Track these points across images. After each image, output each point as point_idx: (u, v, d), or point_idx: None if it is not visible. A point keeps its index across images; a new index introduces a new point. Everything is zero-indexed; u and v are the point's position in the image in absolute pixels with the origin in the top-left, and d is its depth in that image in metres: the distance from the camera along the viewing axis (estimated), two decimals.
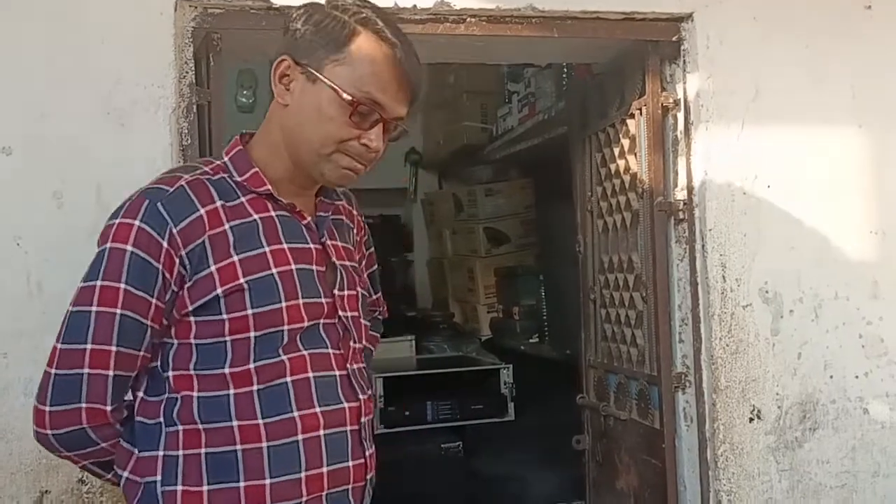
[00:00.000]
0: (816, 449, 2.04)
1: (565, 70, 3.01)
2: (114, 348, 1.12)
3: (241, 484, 1.14)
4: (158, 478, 1.16)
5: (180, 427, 1.16)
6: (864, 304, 2.08)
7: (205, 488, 1.15)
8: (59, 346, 1.14)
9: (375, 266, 1.49)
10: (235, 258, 1.16)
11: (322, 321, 1.22)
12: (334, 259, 1.27)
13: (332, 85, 1.18)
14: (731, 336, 2.00)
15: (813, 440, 2.04)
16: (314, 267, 1.23)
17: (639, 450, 2.22)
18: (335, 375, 1.22)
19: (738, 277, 2.02)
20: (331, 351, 1.23)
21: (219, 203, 1.19)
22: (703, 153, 2.04)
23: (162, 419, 1.17)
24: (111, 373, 1.13)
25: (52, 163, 1.70)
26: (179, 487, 1.15)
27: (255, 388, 1.16)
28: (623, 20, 2.01)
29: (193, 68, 1.79)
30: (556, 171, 2.96)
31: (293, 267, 1.20)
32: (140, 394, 1.20)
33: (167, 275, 1.14)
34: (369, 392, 1.29)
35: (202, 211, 1.16)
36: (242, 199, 1.21)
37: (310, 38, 1.20)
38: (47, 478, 1.65)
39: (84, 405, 1.13)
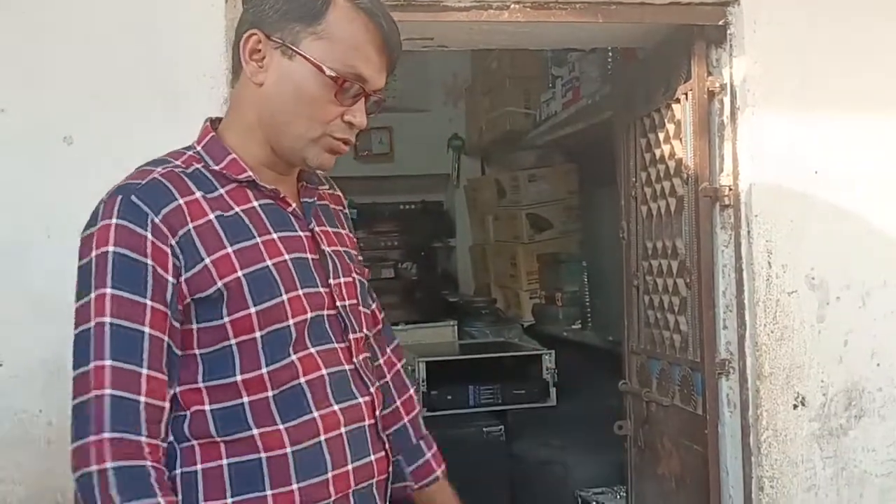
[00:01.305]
0: (862, 437, 2.02)
1: (610, 54, 3.00)
2: (116, 363, 1.01)
3: (269, 492, 1.07)
4: (178, 497, 1.06)
5: (195, 442, 1.07)
6: None
7: (229, 500, 1.06)
8: (73, 375, 1.03)
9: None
10: (230, 250, 1.07)
11: (325, 313, 1.14)
12: (324, 247, 1.18)
13: (314, 61, 1.08)
14: (776, 323, 1.99)
15: (858, 428, 2.02)
16: (308, 255, 1.14)
17: (681, 436, 2.22)
18: (346, 370, 1.15)
19: (784, 264, 2.00)
20: (337, 345, 1.15)
21: (198, 194, 1.09)
22: (750, 138, 2.02)
23: (172, 437, 1.07)
24: (108, 391, 1.00)
25: (110, 151, 1.76)
26: None
27: (269, 393, 1.08)
28: (668, 4, 2.00)
29: None
30: (600, 156, 2.96)
31: (287, 257, 1.11)
32: None
33: (160, 270, 1.03)
34: (378, 383, 1.24)
35: (181, 200, 1.07)
36: (221, 190, 1.11)
37: (280, 9, 1.10)
38: None
39: (90, 437, 1.00)
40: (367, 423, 1.16)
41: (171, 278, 1.04)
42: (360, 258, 1.30)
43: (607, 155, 2.70)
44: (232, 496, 1.07)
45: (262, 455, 1.07)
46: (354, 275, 1.22)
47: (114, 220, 1.04)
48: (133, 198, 1.04)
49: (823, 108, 2.02)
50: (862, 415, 2.03)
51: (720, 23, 2.04)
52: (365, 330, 1.23)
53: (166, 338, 1.04)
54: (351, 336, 1.18)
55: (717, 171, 2.11)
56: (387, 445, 1.21)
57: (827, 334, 2.01)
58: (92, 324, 1.01)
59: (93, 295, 1.02)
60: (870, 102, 2.05)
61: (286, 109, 1.11)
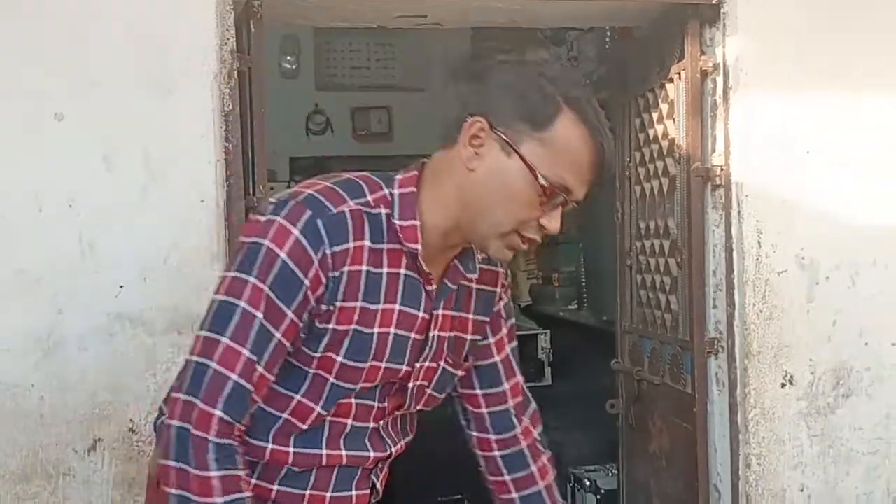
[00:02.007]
0: (849, 415, 2.04)
1: (608, 33, 2.98)
2: (246, 353, 1.08)
3: (253, 480, 1.17)
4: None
5: None
6: None
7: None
8: (202, 333, 1.09)
9: (514, 342, 1.38)
10: (359, 304, 1.13)
11: (387, 380, 1.21)
12: (433, 331, 1.22)
13: (531, 165, 1.11)
14: (765, 302, 2.00)
15: (846, 407, 2.03)
16: (412, 335, 1.20)
17: (671, 414, 2.24)
18: (368, 427, 1.22)
19: (774, 243, 2.01)
20: (376, 404, 1.22)
21: (367, 242, 1.13)
22: (742, 118, 2.02)
23: None
24: (234, 377, 1.08)
25: (101, 128, 1.77)
26: None
27: (303, 426, 1.17)
28: None
29: (234, 35, 1.83)
30: None
31: (392, 330, 1.17)
32: None
33: (310, 293, 1.10)
34: (406, 440, 1.30)
35: (351, 245, 1.12)
36: (385, 245, 1.15)
37: (511, 105, 1.12)
38: (100, 426, 1.74)
39: (200, 404, 1.07)
40: (363, 466, 1.24)
41: (314, 302, 1.11)
42: (483, 341, 1.32)
43: None
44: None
45: (264, 461, 1.18)
46: (442, 362, 1.26)
47: (295, 232, 1.09)
48: (319, 222, 1.10)
49: (815, 88, 2.02)
50: (850, 394, 2.04)
51: (714, 1, 2.03)
52: (420, 406, 1.28)
53: (288, 345, 1.13)
54: (396, 412, 1.25)
55: (709, 151, 2.11)
56: (377, 486, 1.27)
57: (816, 314, 2.02)
58: (242, 305, 1.08)
59: (251, 280, 1.09)
60: (861, 83, 2.04)
61: (489, 200, 1.14)
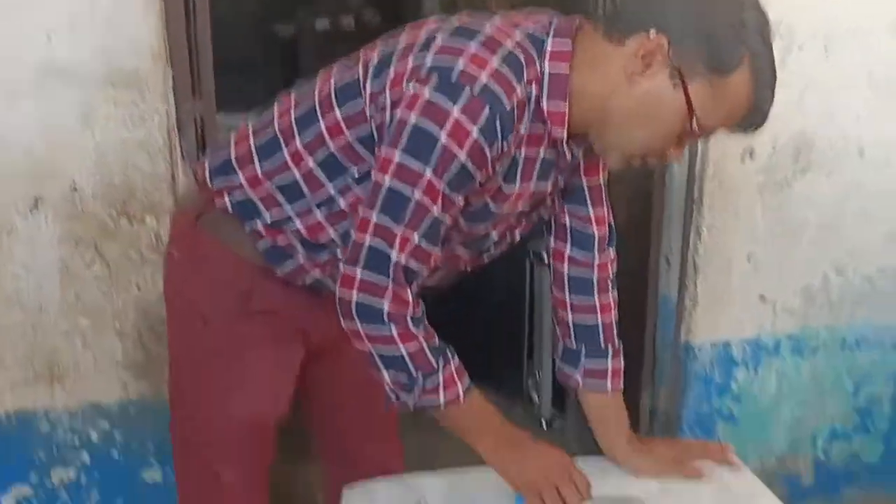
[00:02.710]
0: (807, 190, 2.03)
1: None
2: (416, 239, 1.11)
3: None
4: (266, 217, 1.23)
5: (321, 215, 1.21)
6: (881, 41, 1.97)
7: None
8: (373, 218, 1.10)
9: (605, 173, 1.37)
10: (497, 184, 1.16)
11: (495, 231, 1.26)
12: (559, 186, 1.26)
13: (693, 106, 1.08)
14: None
15: (804, 181, 2.03)
16: (534, 201, 1.24)
17: (629, 186, 2.23)
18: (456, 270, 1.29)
19: None
20: (467, 256, 1.27)
21: (521, 129, 1.13)
22: None
23: (330, 192, 1.20)
24: (402, 260, 1.11)
25: None
26: (259, 224, 1.23)
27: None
28: None
29: None
30: None
31: (520, 206, 1.22)
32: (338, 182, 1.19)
33: (479, 181, 1.13)
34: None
35: (512, 134, 1.12)
36: (528, 124, 1.13)
37: (697, 39, 1.06)
38: (41, 185, 1.69)
39: (391, 286, 1.11)
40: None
41: (478, 184, 1.14)
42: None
43: None
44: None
45: None
46: (542, 211, 1.30)
47: (474, 133, 1.07)
48: (497, 122, 1.08)
49: None
50: (808, 168, 2.03)
51: None
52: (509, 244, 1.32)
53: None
54: (490, 252, 1.30)
55: None
56: None
57: (784, 83, 1.93)
58: (416, 197, 1.09)
59: (427, 175, 1.09)
60: None
61: (635, 121, 1.12)
